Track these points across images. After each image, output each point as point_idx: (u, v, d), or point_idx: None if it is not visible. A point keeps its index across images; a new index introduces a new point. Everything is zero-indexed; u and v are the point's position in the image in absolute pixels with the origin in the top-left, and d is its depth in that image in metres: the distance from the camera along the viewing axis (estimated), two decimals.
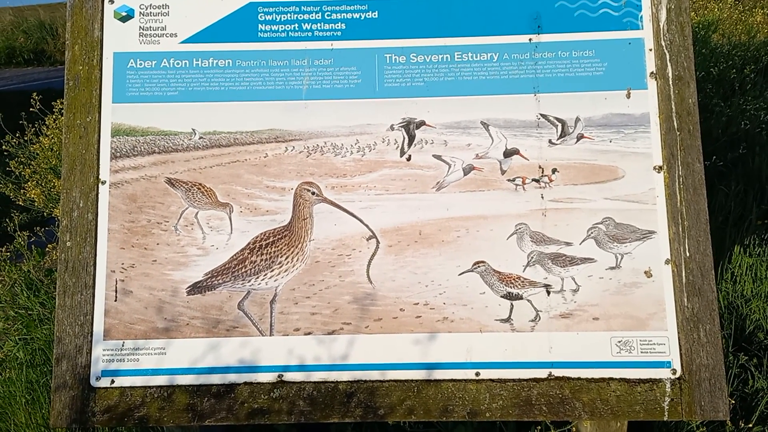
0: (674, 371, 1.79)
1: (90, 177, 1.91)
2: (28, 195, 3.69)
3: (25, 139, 4.00)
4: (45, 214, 3.78)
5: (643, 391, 1.78)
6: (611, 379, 1.80)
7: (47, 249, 3.44)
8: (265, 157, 1.93)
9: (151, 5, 2.00)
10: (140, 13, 1.99)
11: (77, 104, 1.95)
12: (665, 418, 1.77)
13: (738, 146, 3.79)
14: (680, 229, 1.83)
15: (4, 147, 3.99)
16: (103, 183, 1.91)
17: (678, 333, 1.80)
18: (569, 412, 1.78)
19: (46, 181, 3.73)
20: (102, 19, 1.98)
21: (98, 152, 1.92)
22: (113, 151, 1.93)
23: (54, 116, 3.92)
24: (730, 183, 3.52)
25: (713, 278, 1.81)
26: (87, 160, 1.92)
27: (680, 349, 1.80)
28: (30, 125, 3.99)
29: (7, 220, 3.53)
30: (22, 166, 3.84)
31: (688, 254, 1.82)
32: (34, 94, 3.94)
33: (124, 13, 1.99)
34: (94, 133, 1.93)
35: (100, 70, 1.96)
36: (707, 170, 1.99)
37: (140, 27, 1.99)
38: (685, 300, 1.81)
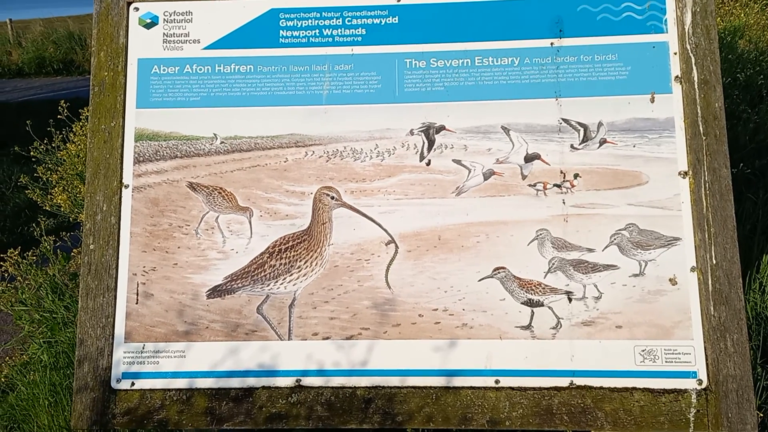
0: (700, 381, 1.74)
1: (113, 181, 1.94)
2: (54, 200, 3.75)
3: (53, 145, 4.09)
4: (71, 219, 3.84)
5: (667, 402, 1.74)
6: (635, 388, 1.76)
7: (72, 253, 3.50)
8: (285, 161, 1.94)
9: (175, 12, 2.03)
10: (164, 19, 2.02)
11: (102, 109, 1.98)
12: (691, 431, 1.72)
13: (766, 154, 3.70)
14: (706, 235, 1.79)
15: (32, 153, 4.08)
16: (126, 187, 1.94)
17: (704, 342, 1.76)
18: (591, 422, 1.75)
19: (72, 186, 3.79)
20: (127, 26, 2.02)
21: (122, 156, 1.95)
22: (136, 155, 1.96)
23: (81, 123, 3.99)
24: (758, 191, 3.43)
25: (741, 286, 1.76)
26: (111, 164, 1.95)
27: (706, 359, 1.75)
28: (58, 132, 4.07)
29: (33, 225, 3.60)
30: (49, 172, 3.92)
31: (714, 261, 1.78)
32: (62, 102, 4.02)
33: (148, 20, 2.03)
34: (118, 137, 1.96)
35: (125, 75, 1.99)
36: (734, 178, 1.94)
37: (164, 33, 2.02)
38: (712, 308, 1.76)
